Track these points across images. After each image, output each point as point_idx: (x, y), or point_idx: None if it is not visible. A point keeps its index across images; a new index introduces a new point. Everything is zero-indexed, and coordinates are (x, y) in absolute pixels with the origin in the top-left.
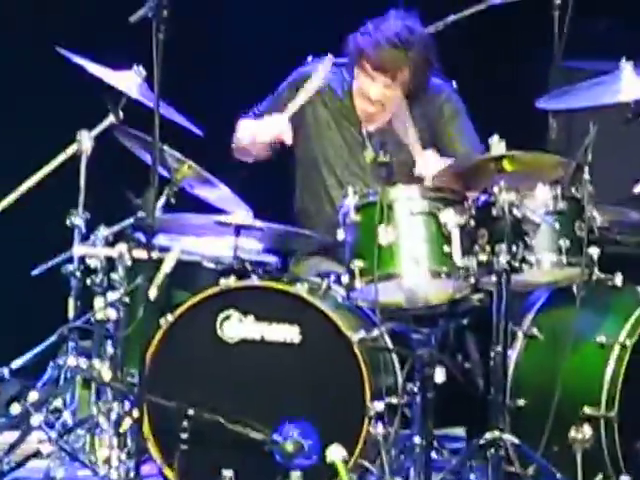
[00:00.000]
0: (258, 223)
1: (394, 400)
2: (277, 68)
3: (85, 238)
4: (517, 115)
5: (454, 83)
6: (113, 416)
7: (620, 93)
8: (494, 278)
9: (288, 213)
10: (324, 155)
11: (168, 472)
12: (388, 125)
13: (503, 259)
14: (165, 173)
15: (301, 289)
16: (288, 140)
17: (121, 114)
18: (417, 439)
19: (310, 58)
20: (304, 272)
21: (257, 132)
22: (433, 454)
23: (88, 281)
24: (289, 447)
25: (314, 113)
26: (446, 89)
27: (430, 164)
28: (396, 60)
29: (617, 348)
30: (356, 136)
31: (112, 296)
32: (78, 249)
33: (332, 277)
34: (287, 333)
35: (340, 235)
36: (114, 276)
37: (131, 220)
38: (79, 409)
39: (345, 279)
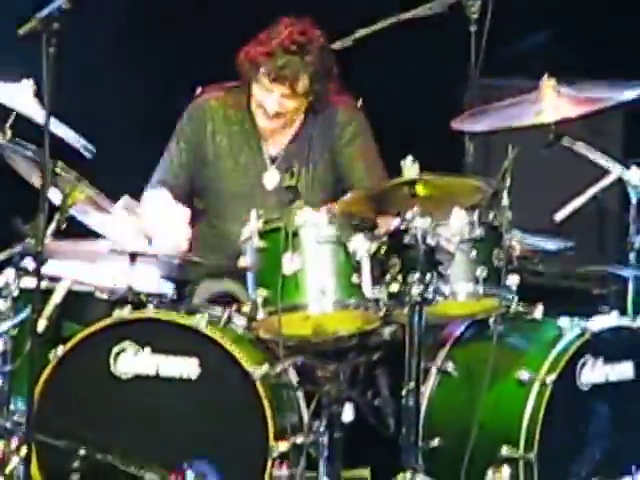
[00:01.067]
0: (153, 250)
1: (299, 439)
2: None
3: None
4: (432, 136)
5: (360, 101)
6: None
7: (541, 113)
8: (406, 310)
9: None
10: (225, 185)
11: None
12: (292, 144)
13: (416, 290)
14: (56, 197)
15: (200, 320)
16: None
17: (9, 132)
18: None
19: (199, 89)
20: (203, 293)
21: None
22: None
23: None
24: None
25: (212, 142)
26: (350, 107)
27: None
28: (293, 66)
29: (537, 385)
30: (257, 160)
31: None
32: None
33: (233, 307)
34: (185, 367)
35: (242, 262)
36: (0, 306)
37: (19, 247)
38: None
39: (246, 309)
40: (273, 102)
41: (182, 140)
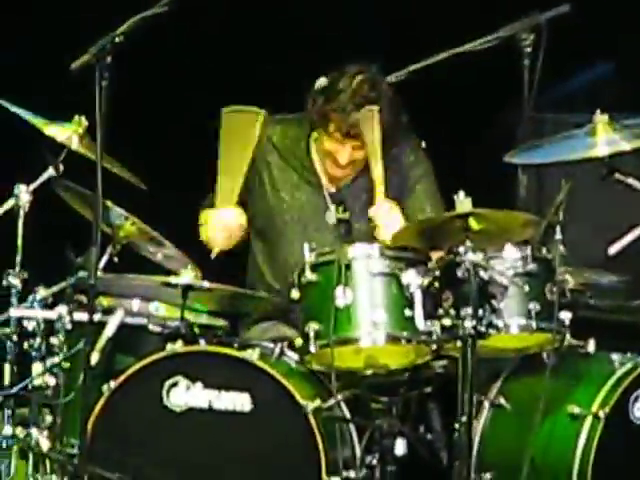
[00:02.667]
0: (207, 284)
1: (352, 474)
2: None
3: (22, 299)
4: (484, 170)
5: (424, 143)
6: None
7: (594, 148)
8: (459, 344)
9: (238, 275)
10: (280, 217)
11: None
12: (354, 182)
13: (469, 324)
14: (108, 230)
15: (252, 354)
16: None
17: (61, 167)
18: None
19: None
20: (255, 337)
21: (210, 239)
22: None
23: (25, 345)
24: None
25: (270, 174)
26: (416, 148)
27: (385, 215)
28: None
29: (589, 419)
30: (317, 197)
31: (51, 361)
32: (15, 311)
33: (285, 343)
34: (237, 401)
35: (294, 295)
36: (53, 340)
37: (71, 280)
38: None
39: (299, 342)
40: (344, 154)
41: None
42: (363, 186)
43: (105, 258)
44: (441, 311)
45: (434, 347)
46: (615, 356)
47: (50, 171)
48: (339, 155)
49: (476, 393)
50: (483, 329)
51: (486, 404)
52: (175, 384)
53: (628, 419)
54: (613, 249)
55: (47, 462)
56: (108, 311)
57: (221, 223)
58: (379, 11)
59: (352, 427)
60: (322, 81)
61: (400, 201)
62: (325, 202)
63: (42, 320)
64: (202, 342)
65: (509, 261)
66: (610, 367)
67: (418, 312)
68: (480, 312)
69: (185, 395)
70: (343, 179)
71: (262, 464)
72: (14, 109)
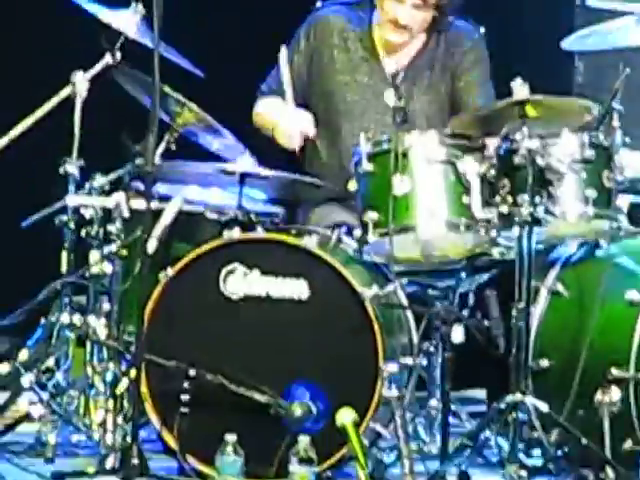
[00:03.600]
0: (264, 171)
1: (409, 361)
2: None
3: (79, 187)
4: (541, 57)
5: (482, 29)
6: (109, 377)
7: None
8: (516, 231)
9: (294, 163)
10: (341, 100)
11: (167, 437)
12: (413, 62)
13: (526, 210)
14: (165, 117)
15: (310, 242)
16: (311, 133)
17: (119, 54)
18: (433, 402)
19: (319, 3)
20: (316, 221)
21: (276, 131)
22: (450, 418)
23: (83, 233)
24: (297, 410)
25: (330, 57)
26: (474, 34)
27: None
28: None
29: None
30: (377, 78)
31: (108, 249)
32: (72, 199)
33: (343, 229)
34: (294, 289)
35: (352, 186)
36: (110, 227)
37: (129, 168)
38: (72, 369)
39: (357, 232)
40: (405, 13)
41: (298, 52)
42: (422, 66)
43: (162, 145)
44: (498, 198)
45: (492, 234)
46: None
47: (108, 58)
48: (400, 14)
49: (533, 280)
50: (540, 216)
51: (543, 291)
52: (232, 271)
53: None
54: None
55: (104, 350)
56: (165, 199)
57: (291, 127)
58: None
59: (409, 314)
60: None
61: (452, 84)
62: (385, 83)
63: (99, 208)
64: (259, 229)
65: (566, 148)
66: None
67: (475, 199)
68: (537, 199)
69: (242, 282)
70: (402, 49)
71: (319, 351)
72: None
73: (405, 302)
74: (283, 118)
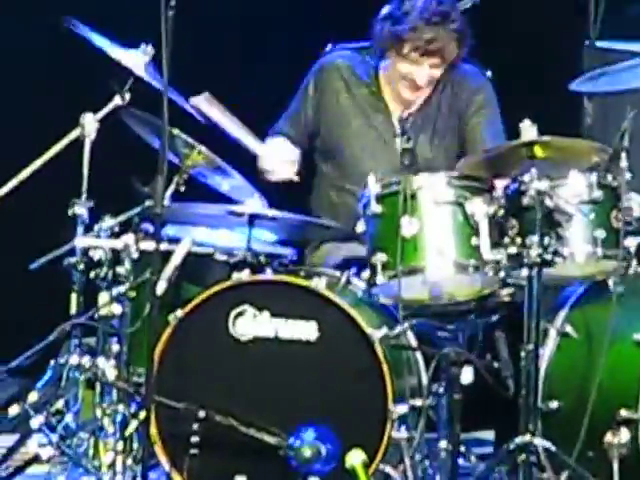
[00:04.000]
0: (273, 212)
1: (418, 402)
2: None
3: (89, 229)
4: (549, 99)
5: (489, 73)
6: (118, 418)
7: None
8: (525, 272)
9: (303, 203)
10: (347, 146)
11: (177, 478)
12: (421, 109)
13: (534, 252)
14: (175, 159)
15: (319, 283)
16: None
17: (128, 96)
18: (443, 443)
19: (329, 46)
20: (321, 259)
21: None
22: (460, 459)
23: (92, 274)
24: (306, 452)
25: (337, 102)
26: (480, 77)
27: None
28: (442, 38)
29: None
30: (385, 124)
31: (117, 290)
32: (81, 240)
33: (352, 270)
34: (304, 330)
35: (360, 227)
36: (120, 269)
37: (138, 209)
38: (82, 411)
39: (366, 274)
40: (423, 74)
41: (307, 95)
42: (431, 112)
43: (172, 187)
44: (507, 239)
45: (501, 276)
46: None
47: (117, 100)
48: (417, 76)
49: (542, 321)
50: (549, 257)
51: (552, 332)
52: (241, 313)
53: None
54: None
55: (114, 391)
56: (175, 240)
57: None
58: None
59: (419, 355)
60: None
61: (459, 127)
62: (394, 128)
63: (108, 249)
64: (268, 271)
65: (575, 189)
66: None
67: (484, 241)
68: (546, 240)
69: (251, 324)
70: (415, 102)
71: (328, 393)
72: (83, 31)
73: (414, 343)
74: (260, 151)
